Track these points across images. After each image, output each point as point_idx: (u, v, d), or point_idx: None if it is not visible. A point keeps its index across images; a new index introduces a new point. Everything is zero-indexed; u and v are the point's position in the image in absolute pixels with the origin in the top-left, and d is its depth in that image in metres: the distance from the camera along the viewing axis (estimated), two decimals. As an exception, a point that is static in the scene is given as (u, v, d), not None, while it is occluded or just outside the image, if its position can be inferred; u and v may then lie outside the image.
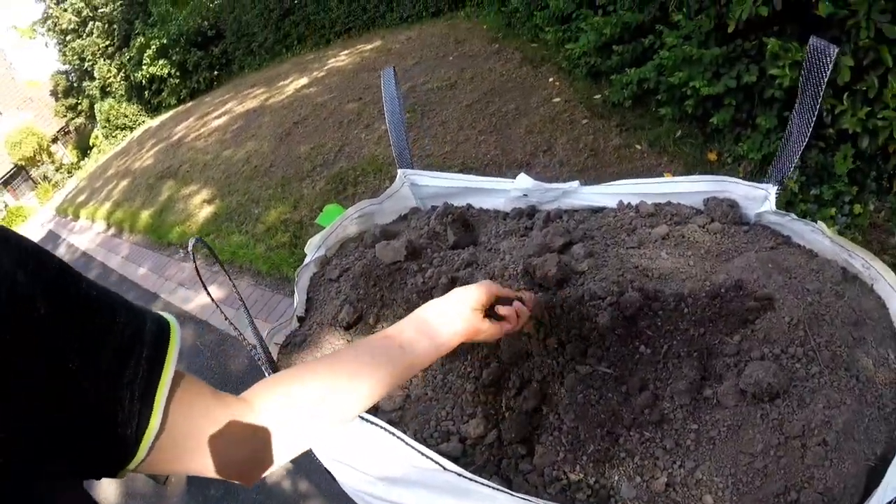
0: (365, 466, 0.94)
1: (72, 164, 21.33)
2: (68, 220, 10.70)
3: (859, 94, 2.45)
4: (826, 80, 1.05)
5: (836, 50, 1.02)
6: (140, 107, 15.90)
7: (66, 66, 19.04)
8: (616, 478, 0.83)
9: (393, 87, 1.63)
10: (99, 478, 0.49)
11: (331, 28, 11.14)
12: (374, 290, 1.35)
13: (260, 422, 0.61)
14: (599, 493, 0.82)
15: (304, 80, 8.57)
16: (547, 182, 1.45)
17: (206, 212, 5.91)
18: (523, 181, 1.45)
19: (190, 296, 4.76)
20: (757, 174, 3.18)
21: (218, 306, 1.08)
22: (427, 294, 1.19)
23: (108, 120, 16.01)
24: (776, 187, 1.22)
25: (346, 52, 9.34)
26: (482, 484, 0.78)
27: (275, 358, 1.42)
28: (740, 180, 1.28)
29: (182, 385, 0.54)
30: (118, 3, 15.77)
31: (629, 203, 1.38)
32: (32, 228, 12.90)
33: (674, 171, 3.39)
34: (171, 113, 13.81)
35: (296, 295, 1.55)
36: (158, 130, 12.11)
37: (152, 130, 12.80)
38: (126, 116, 15.85)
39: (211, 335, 3.99)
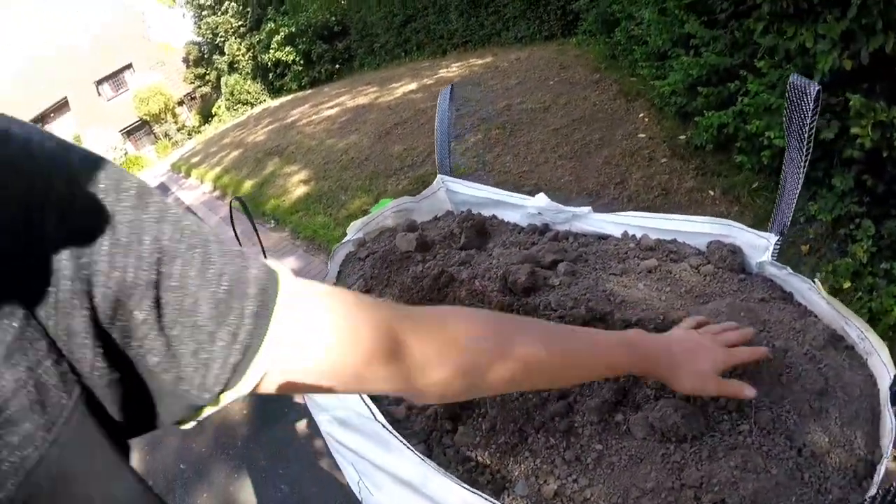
0: (331, 408, 1.11)
1: (193, 127, 23.15)
2: (180, 177, 11.72)
3: None
4: (810, 118, 1.02)
5: (817, 88, 1.01)
6: (263, 86, 17.04)
7: (200, 39, 20.54)
8: (516, 473, 0.90)
9: (446, 104, 1.80)
10: (153, 429, 0.43)
11: (448, 39, 11.51)
12: (385, 271, 1.52)
13: (416, 365, 0.53)
14: (498, 482, 0.90)
15: (413, 85, 8.94)
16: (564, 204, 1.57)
17: (300, 191, 6.34)
18: (540, 200, 1.57)
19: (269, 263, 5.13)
20: (827, 238, 3.08)
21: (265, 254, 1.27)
22: (419, 280, 1.34)
23: (231, 93, 17.31)
24: (777, 237, 1.25)
25: (458, 63, 9.65)
26: (395, 437, 0.93)
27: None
28: (744, 227, 1.33)
29: (294, 315, 0.45)
30: (256, -12, 16.93)
31: (633, 235, 1.47)
32: (147, 178, 14.14)
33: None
34: (290, 97, 14.73)
35: (329, 266, 1.76)
36: (276, 111, 12.96)
37: (270, 110, 13.71)
38: (249, 93, 17.05)
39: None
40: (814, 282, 1.05)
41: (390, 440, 0.94)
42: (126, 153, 23.24)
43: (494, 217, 1.76)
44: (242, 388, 0.43)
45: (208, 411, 0.43)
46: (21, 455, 0.31)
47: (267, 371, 0.44)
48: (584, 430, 0.91)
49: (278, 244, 5.38)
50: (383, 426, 0.99)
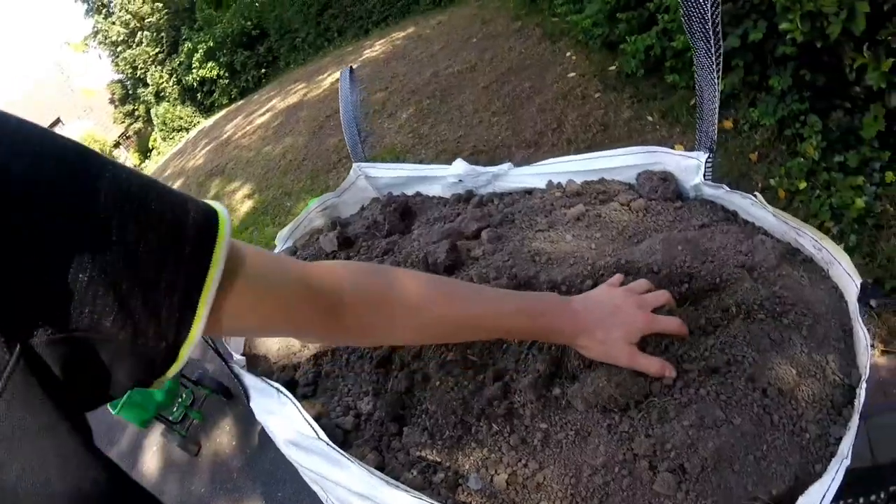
0: (282, 432, 1.02)
1: (134, 166, 22.55)
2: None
3: (883, 45, 2.23)
4: (711, 11, 0.90)
5: None
6: (194, 108, 16.55)
7: (120, 75, 19.92)
8: (466, 466, 0.84)
9: (347, 87, 1.68)
10: (119, 395, 0.42)
11: (368, 18, 11.24)
12: (313, 279, 1.41)
13: (350, 323, 0.62)
14: (451, 478, 0.83)
15: (339, 73, 8.71)
16: (482, 165, 1.46)
17: (246, 206, 6.16)
18: (457, 166, 1.47)
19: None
20: (775, 140, 3.02)
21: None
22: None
23: (164, 123, 16.78)
24: (707, 154, 1.15)
25: (381, 41, 9.43)
26: (340, 453, 0.85)
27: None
28: (670, 150, 1.23)
29: (239, 274, 0.47)
30: (163, 12, 16.43)
31: (558, 183, 1.37)
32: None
33: (686, 142, 3.28)
34: (223, 112, 14.32)
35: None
36: (211, 130, 12.61)
37: (206, 130, 13.34)
38: (181, 118, 16.55)
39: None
40: (755, 195, 0.97)
41: (338, 457, 0.87)
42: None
43: (419, 194, 1.65)
44: (196, 331, 0.43)
45: (173, 369, 0.43)
46: None
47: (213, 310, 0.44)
48: (525, 411, 0.84)
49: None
50: (326, 443, 0.93)
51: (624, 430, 0.75)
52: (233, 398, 3.52)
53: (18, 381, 0.33)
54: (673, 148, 3.27)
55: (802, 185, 2.56)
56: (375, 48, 9.08)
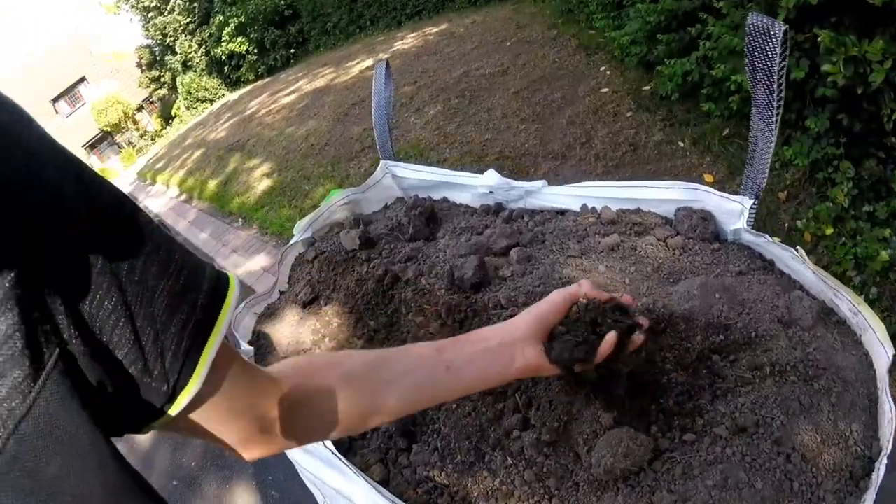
0: None
1: (155, 131, 22.70)
2: (147, 185, 11.41)
3: None
4: (779, 65, 0.89)
5: (783, 28, 0.86)
6: (220, 81, 16.57)
7: (150, 41, 19.93)
8: (475, 494, 0.82)
9: (382, 81, 1.64)
10: (119, 434, 0.44)
11: (402, 10, 11.21)
12: (331, 274, 1.39)
13: (282, 407, 0.57)
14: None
15: (369, 62, 8.69)
16: (513, 179, 1.43)
17: (263, 185, 6.14)
18: (490, 177, 1.44)
19: (240, 262, 4.98)
20: (805, 182, 2.97)
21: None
22: (363, 282, 1.21)
23: (189, 92, 16.82)
24: (752, 200, 1.12)
25: (413, 34, 9.39)
26: (346, 464, 0.84)
27: (253, 324, 1.52)
28: (714, 190, 1.19)
29: (223, 345, 0.49)
30: (199, -18, 16.41)
31: (593, 207, 1.34)
32: (116, 191, 13.76)
33: (716, 172, 3.23)
34: (248, 87, 14.34)
35: (279, 270, 1.63)
36: (235, 104, 12.62)
37: (230, 104, 13.35)
38: (206, 90, 16.59)
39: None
40: (796, 250, 0.93)
41: (340, 465, 0.87)
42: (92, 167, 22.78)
43: (445, 200, 1.62)
44: (196, 381, 0.44)
45: (166, 418, 0.44)
46: (8, 407, 0.31)
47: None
48: (543, 448, 0.81)
49: (248, 243, 5.22)
50: (333, 453, 0.92)
51: (646, 483, 0.72)
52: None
53: (57, 381, 0.34)
54: (702, 177, 3.22)
55: (829, 230, 2.51)
56: (407, 41, 9.04)
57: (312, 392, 0.58)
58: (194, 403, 0.46)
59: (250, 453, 0.57)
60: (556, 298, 0.72)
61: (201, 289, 0.46)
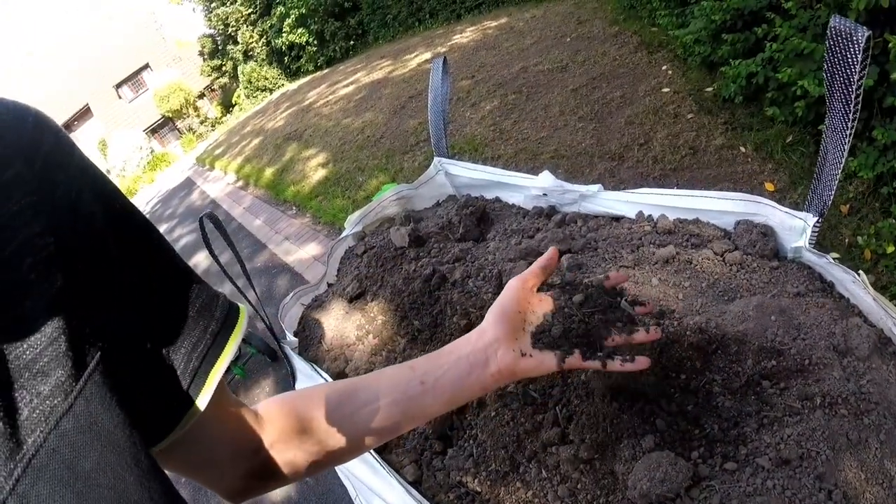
0: None
1: (216, 118, 23.40)
2: (205, 170, 11.79)
3: None
4: (858, 73, 0.81)
5: (867, 33, 0.79)
6: (280, 71, 16.96)
7: (212, 30, 20.50)
8: (507, 503, 0.81)
9: (439, 77, 1.64)
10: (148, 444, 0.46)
11: (461, 3, 11.19)
12: (379, 270, 1.40)
13: (263, 438, 0.58)
14: None
15: (427, 55, 8.72)
16: (568, 182, 1.41)
17: (318, 175, 6.25)
18: (544, 179, 1.42)
19: (292, 249, 5.09)
20: (869, 196, 2.82)
21: (244, 269, 1.12)
22: (410, 281, 1.22)
23: (249, 81, 17.28)
24: (816, 218, 1.07)
25: (471, 28, 9.36)
26: (380, 463, 0.84)
27: (300, 315, 1.55)
28: (777, 205, 1.14)
29: (221, 383, 0.51)
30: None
31: (649, 216, 1.30)
32: (173, 173, 14.26)
33: (777, 181, 3.11)
34: (308, 78, 14.62)
35: (328, 263, 1.65)
36: (294, 94, 12.88)
37: (289, 94, 13.64)
38: (266, 79, 17.00)
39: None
40: (858, 274, 0.88)
41: (376, 463, 0.88)
42: (152, 151, 23.63)
43: (498, 200, 1.61)
44: (204, 395, 0.47)
45: (174, 433, 0.46)
46: (51, 404, 0.33)
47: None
48: (580, 465, 0.80)
49: (300, 231, 5.32)
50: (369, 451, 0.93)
51: None
52: (277, 361, 3.58)
53: (97, 382, 0.37)
54: (763, 185, 3.09)
55: (891, 248, 2.38)
56: (466, 34, 9.02)
57: (293, 430, 0.59)
58: (198, 424, 0.48)
59: (235, 493, 0.58)
60: (511, 285, 0.69)
61: (214, 316, 0.50)
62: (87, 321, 0.38)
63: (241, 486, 0.58)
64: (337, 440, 0.60)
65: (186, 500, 0.44)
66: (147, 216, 0.50)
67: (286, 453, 0.59)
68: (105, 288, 0.41)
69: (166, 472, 0.46)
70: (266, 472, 0.59)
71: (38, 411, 0.33)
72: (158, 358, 0.45)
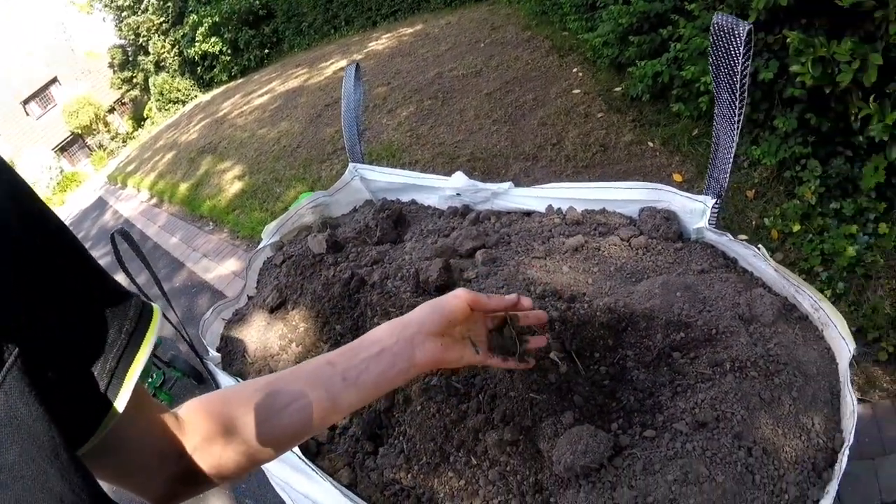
0: None
1: (127, 133, 22.28)
2: (117, 188, 11.21)
3: (890, 98, 2.23)
4: (742, 65, 0.88)
5: (748, 27, 0.85)
6: (193, 81, 16.35)
7: (123, 41, 19.61)
8: (441, 496, 0.82)
9: (352, 83, 1.64)
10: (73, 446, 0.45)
11: (377, 10, 11.17)
12: (298, 278, 1.38)
13: (186, 442, 0.58)
14: None
15: (343, 62, 8.65)
16: (481, 181, 1.43)
17: (235, 188, 6.07)
18: (457, 179, 1.44)
19: (211, 266, 4.92)
20: (773, 180, 3.03)
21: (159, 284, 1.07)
22: (330, 286, 1.20)
23: (161, 93, 16.56)
24: (714, 199, 1.14)
25: (387, 35, 9.37)
26: (312, 469, 0.83)
27: (220, 330, 1.50)
28: (677, 190, 1.21)
29: (139, 383, 0.51)
30: (173, -18, 16.18)
31: (559, 209, 1.35)
32: (84, 194, 13.48)
33: (685, 172, 3.28)
34: (222, 88, 14.17)
35: (247, 276, 1.61)
36: (208, 105, 12.45)
37: (202, 105, 13.17)
38: (179, 91, 16.35)
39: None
40: (758, 248, 0.94)
41: (307, 469, 0.88)
42: (62, 170, 22.18)
43: (413, 202, 1.62)
44: (121, 398, 0.47)
45: (97, 435, 0.46)
46: None
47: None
48: (506, 447, 0.81)
49: (218, 247, 5.15)
50: (300, 458, 0.92)
51: (607, 480, 0.73)
52: (204, 383, 3.45)
53: (16, 377, 0.37)
54: (671, 177, 3.25)
55: (796, 227, 2.57)
56: (381, 41, 9.01)
57: (217, 431, 0.59)
58: (119, 427, 0.48)
59: (163, 498, 0.57)
60: (460, 293, 0.70)
61: (128, 315, 0.50)
62: (4, 319, 0.39)
63: (167, 492, 0.57)
64: (261, 440, 0.59)
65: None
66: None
67: (211, 456, 0.58)
68: (21, 287, 0.41)
69: (100, 471, 0.48)
70: (192, 477, 0.58)
71: None
72: (75, 357, 0.45)
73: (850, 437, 0.72)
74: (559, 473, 0.75)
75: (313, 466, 0.91)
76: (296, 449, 0.95)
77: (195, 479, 0.59)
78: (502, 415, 0.83)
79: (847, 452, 0.70)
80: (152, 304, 0.54)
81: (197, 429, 0.58)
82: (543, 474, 0.78)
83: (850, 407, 0.75)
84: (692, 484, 0.68)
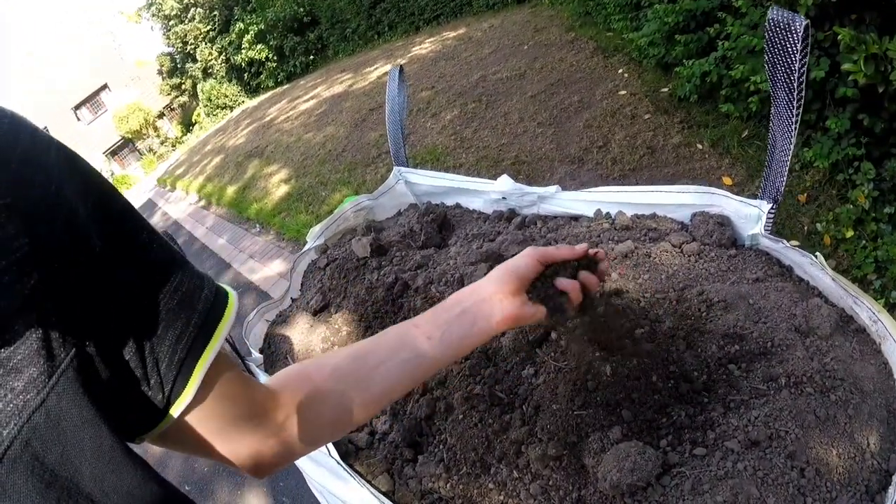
0: None
1: (176, 138, 23.02)
2: (166, 191, 11.57)
3: None
4: (799, 62, 0.85)
5: (805, 22, 0.82)
6: (240, 88, 16.78)
7: (171, 49, 20.24)
8: None
9: (395, 86, 1.64)
10: (127, 438, 0.46)
11: (420, 15, 11.25)
12: (342, 281, 1.38)
13: (283, 417, 0.58)
14: None
15: (387, 67, 8.72)
16: (527, 185, 1.41)
17: (281, 191, 6.18)
18: (503, 183, 1.43)
19: (256, 267, 5.02)
20: (825, 184, 2.91)
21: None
22: (373, 290, 1.20)
23: (209, 99, 17.05)
24: (770, 205, 1.09)
25: (430, 39, 9.42)
26: (350, 474, 0.83)
27: (265, 331, 1.52)
28: (731, 194, 1.17)
29: (220, 361, 0.51)
30: (219, -9, 16.64)
31: (607, 213, 1.32)
32: (134, 195, 13.98)
33: (735, 175, 3.18)
34: (268, 94, 14.49)
35: (291, 278, 1.63)
36: (254, 111, 12.75)
37: (249, 110, 13.49)
38: (226, 97, 16.80)
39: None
40: (815, 256, 0.90)
41: (345, 476, 0.88)
42: (112, 174, 23.14)
43: (458, 206, 1.61)
44: (189, 392, 0.47)
45: (160, 427, 0.47)
46: (24, 399, 0.35)
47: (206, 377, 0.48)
48: (549, 462, 0.79)
49: (264, 248, 5.25)
50: (338, 462, 0.92)
51: (654, 499, 0.70)
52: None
53: (70, 378, 0.38)
54: (721, 180, 3.15)
55: (849, 233, 2.46)
56: (425, 46, 9.06)
57: (309, 398, 0.59)
58: (190, 414, 0.48)
59: (259, 467, 0.57)
60: (529, 253, 0.72)
61: (195, 308, 0.48)
62: (63, 317, 0.39)
63: (261, 462, 0.58)
64: (353, 405, 0.61)
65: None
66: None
67: (304, 425, 0.59)
68: (84, 284, 0.41)
69: (180, 451, 0.51)
70: (285, 447, 0.59)
71: (11, 405, 0.35)
72: (140, 350, 0.45)
73: None
74: (604, 491, 0.73)
75: (351, 472, 0.91)
76: (334, 452, 0.95)
77: (290, 448, 0.59)
78: (546, 428, 0.81)
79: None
80: (227, 289, 0.53)
81: (288, 399, 0.58)
82: (587, 490, 0.76)
83: None
84: (743, 507, 0.65)
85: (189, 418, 0.49)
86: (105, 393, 0.41)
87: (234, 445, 0.54)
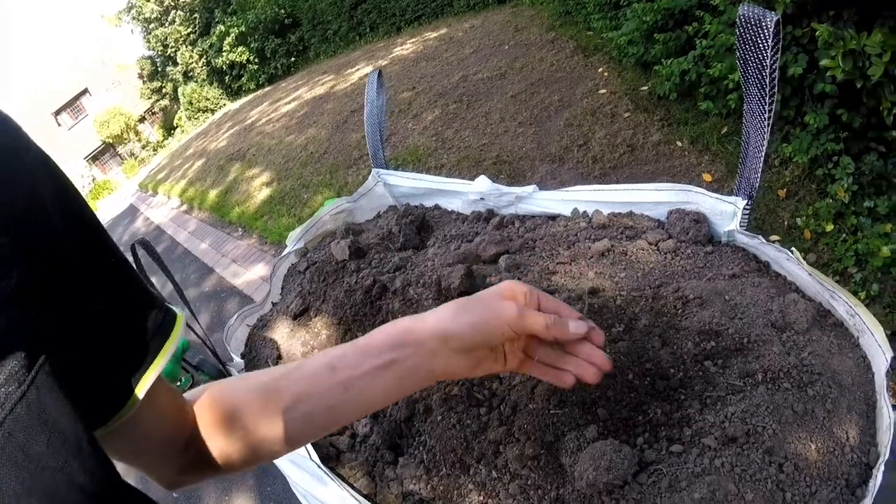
0: None
1: (157, 142, 22.82)
2: (148, 195, 11.46)
3: None
4: (771, 58, 0.83)
5: (776, 18, 0.80)
6: (221, 90, 16.66)
7: (151, 52, 20.08)
8: None
9: (374, 90, 1.63)
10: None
11: (401, 16, 11.24)
12: (321, 284, 1.37)
13: (195, 429, 0.58)
14: None
15: (368, 69, 8.71)
16: (506, 185, 1.41)
17: (263, 194, 6.15)
18: (481, 183, 1.42)
19: (240, 272, 4.99)
20: (805, 179, 2.94)
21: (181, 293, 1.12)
22: (352, 293, 1.19)
23: (190, 103, 16.91)
24: (745, 201, 1.10)
25: (412, 40, 9.42)
26: (330, 476, 0.82)
27: (245, 337, 1.51)
28: (707, 191, 1.17)
29: (159, 379, 0.52)
30: (199, -6, 16.54)
31: (584, 212, 1.32)
32: (116, 201, 13.82)
33: (714, 171, 3.21)
34: (250, 97, 14.40)
35: (271, 282, 1.61)
36: (236, 114, 12.66)
37: (231, 113, 13.40)
38: (208, 100, 16.67)
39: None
40: (791, 251, 0.90)
41: (325, 478, 0.88)
42: (94, 179, 22.87)
43: (437, 207, 1.61)
44: (132, 407, 0.49)
45: (126, 413, 0.49)
46: (6, 391, 0.36)
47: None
48: (527, 461, 0.79)
49: (247, 252, 5.21)
50: (319, 466, 0.91)
51: (631, 497, 0.70)
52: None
53: (47, 372, 0.39)
54: (701, 177, 3.17)
55: (829, 227, 2.49)
56: (406, 46, 9.06)
57: (222, 422, 0.59)
58: (129, 423, 0.50)
59: (173, 482, 0.60)
60: (510, 314, 0.59)
61: (145, 325, 0.51)
62: (42, 314, 0.40)
63: (177, 476, 0.59)
64: (262, 438, 0.59)
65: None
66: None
67: (217, 445, 0.59)
68: (59, 284, 0.42)
69: (118, 458, 0.50)
70: (200, 463, 0.59)
71: None
72: (99, 358, 0.46)
73: (885, 451, 0.69)
74: (581, 489, 0.72)
75: (332, 475, 0.91)
76: (315, 456, 0.95)
77: (204, 465, 0.59)
78: (524, 427, 0.81)
79: (882, 468, 0.67)
80: (176, 310, 0.55)
81: (204, 417, 0.59)
82: (566, 489, 0.76)
83: (887, 420, 0.71)
84: (720, 502, 0.65)
85: (129, 426, 0.50)
86: (77, 387, 0.42)
87: (153, 457, 0.57)
